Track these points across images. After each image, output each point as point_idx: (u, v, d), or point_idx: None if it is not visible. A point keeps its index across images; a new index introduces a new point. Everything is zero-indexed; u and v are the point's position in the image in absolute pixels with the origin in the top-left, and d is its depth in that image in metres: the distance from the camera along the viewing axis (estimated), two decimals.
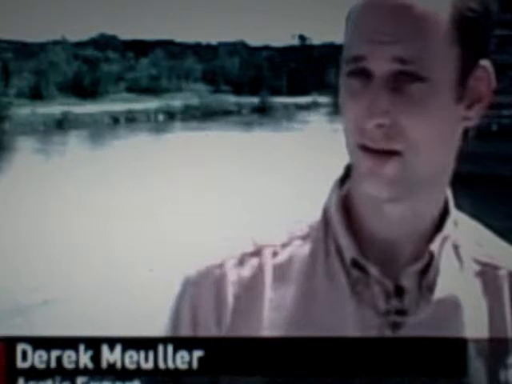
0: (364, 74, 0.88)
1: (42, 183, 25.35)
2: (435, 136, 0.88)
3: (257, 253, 0.95)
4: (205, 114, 59.56)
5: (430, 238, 0.93)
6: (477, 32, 0.90)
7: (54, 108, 50.64)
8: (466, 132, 0.93)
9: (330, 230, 0.95)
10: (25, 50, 78.66)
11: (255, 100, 67.58)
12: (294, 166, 23.99)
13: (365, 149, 0.89)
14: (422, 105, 0.87)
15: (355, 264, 0.92)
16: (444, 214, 0.95)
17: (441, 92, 0.88)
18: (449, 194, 0.96)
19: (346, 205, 0.95)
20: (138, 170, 28.41)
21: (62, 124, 47.93)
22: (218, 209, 17.58)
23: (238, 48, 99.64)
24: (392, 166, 0.87)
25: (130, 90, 72.16)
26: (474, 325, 0.93)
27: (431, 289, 0.92)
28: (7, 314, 12.10)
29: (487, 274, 0.95)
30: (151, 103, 60.12)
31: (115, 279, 13.98)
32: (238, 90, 79.37)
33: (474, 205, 20.68)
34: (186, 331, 0.95)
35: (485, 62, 0.92)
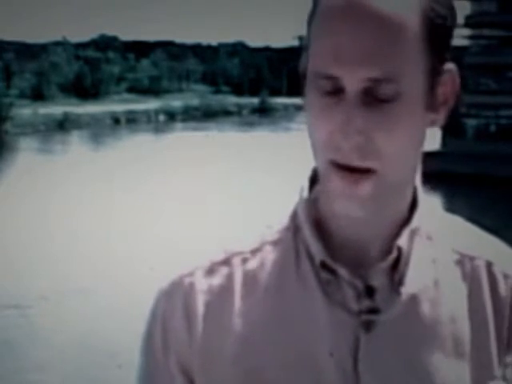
0: (336, 90, 0.84)
1: (44, 183, 25.41)
2: (408, 148, 0.86)
3: (226, 261, 0.93)
4: (205, 115, 59.52)
5: (399, 232, 0.90)
6: (444, 37, 0.88)
7: (56, 108, 50.58)
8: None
9: (299, 234, 0.92)
10: (26, 51, 78.50)
11: (255, 100, 67.53)
12: (294, 166, 24.04)
13: (337, 166, 0.85)
14: (396, 120, 0.84)
15: (324, 266, 0.89)
16: (412, 207, 0.92)
17: (413, 105, 0.85)
18: (418, 186, 0.94)
19: (314, 207, 0.92)
20: (138, 170, 28.44)
21: (64, 124, 47.91)
22: (217, 208, 17.66)
23: (238, 49, 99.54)
24: (366, 184, 0.84)
25: (130, 90, 72.08)
26: (454, 316, 0.91)
27: (404, 284, 0.90)
28: (7, 313, 12.18)
29: (465, 263, 0.93)
30: (152, 104, 60.06)
31: (116, 278, 14.05)
32: (238, 91, 79.30)
33: (472, 204, 20.77)
34: (158, 344, 0.93)
35: (449, 66, 0.89)
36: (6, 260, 15.54)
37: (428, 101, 0.87)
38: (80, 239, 17.51)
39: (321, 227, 0.92)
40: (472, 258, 0.93)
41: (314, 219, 0.92)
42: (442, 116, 0.89)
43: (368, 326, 0.89)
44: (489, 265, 0.94)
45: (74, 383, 9.86)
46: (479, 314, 0.91)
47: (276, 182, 20.20)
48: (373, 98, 0.84)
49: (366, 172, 0.85)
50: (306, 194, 0.93)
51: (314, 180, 0.94)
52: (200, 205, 20.34)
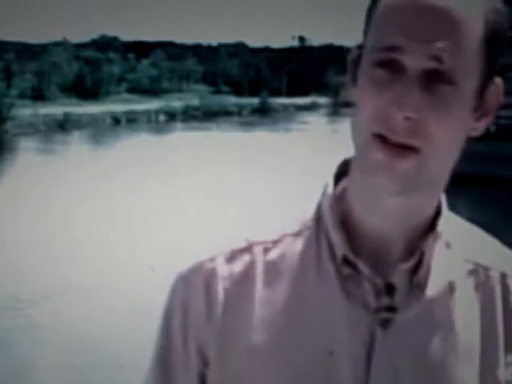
0: (395, 66, 0.87)
1: (44, 183, 25.41)
2: (452, 139, 0.89)
3: (248, 249, 0.96)
4: (205, 115, 59.47)
5: (422, 236, 0.94)
6: (499, 47, 0.92)
7: (56, 109, 50.57)
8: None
9: (322, 227, 0.95)
10: (27, 51, 78.47)
11: (255, 101, 67.48)
12: (294, 166, 24.07)
13: (382, 139, 0.87)
14: (449, 107, 0.87)
15: (346, 261, 0.92)
16: (437, 213, 0.96)
17: (465, 99, 0.89)
18: (442, 194, 0.97)
19: (339, 202, 0.95)
20: (139, 170, 28.43)
21: (64, 124, 47.91)
22: (218, 208, 17.66)
23: (238, 49, 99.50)
24: (409, 161, 0.87)
25: (131, 90, 72.08)
26: (466, 323, 0.94)
27: (422, 287, 0.93)
28: (8, 312, 12.20)
29: (479, 273, 0.96)
30: (152, 104, 60.01)
31: (116, 278, 14.05)
32: (238, 91, 79.25)
33: (472, 204, 20.80)
34: (177, 325, 0.97)
35: (497, 80, 0.93)
36: (7, 259, 15.54)
37: (475, 103, 0.91)
38: (80, 239, 17.51)
39: (344, 223, 0.94)
40: (487, 269, 0.97)
41: (337, 215, 0.95)
42: (481, 126, 0.93)
43: (384, 324, 0.91)
44: (503, 276, 0.97)
45: (75, 383, 9.87)
46: (490, 324, 0.95)
47: (276, 182, 20.20)
48: (431, 83, 0.86)
49: (410, 149, 0.87)
50: (331, 189, 0.97)
51: (338, 177, 0.97)
52: (200, 205, 20.35)
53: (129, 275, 13.99)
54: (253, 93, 73.05)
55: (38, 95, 59.58)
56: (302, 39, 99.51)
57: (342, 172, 0.96)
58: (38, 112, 48.31)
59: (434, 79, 0.86)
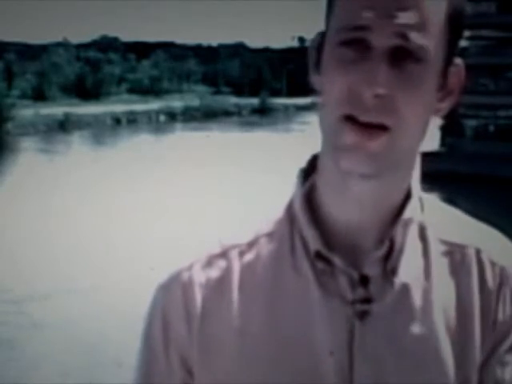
0: (361, 44, 0.86)
1: (45, 183, 25.46)
2: (421, 118, 0.88)
3: (224, 254, 0.95)
4: (205, 115, 59.49)
5: (393, 222, 0.92)
6: (460, 27, 0.92)
7: (57, 109, 50.56)
8: None
9: (295, 225, 0.94)
10: (28, 52, 78.55)
11: (255, 101, 67.48)
12: (294, 166, 24.07)
13: (352, 121, 0.86)
14: (417, 84, 0.86)
15: (319, 256, 0.91)
16: (407, 198, 0.94)
17: (432, 76, 0.88)
18: (415, 178, 0.95)
19: (310, 197, 0.95)
20: (139, 170, 28.47)
21: (65, 125, 47.93)
22: (218, 208, 17.69)
23: (238, 50, 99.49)
24: (380, 141, 0.86)
25: (131, 91, 72.10)
26: (443, 304, 0.93)
27: (396, 274, 0.92)
28: (8, 311, 12.25)
29: (455, 253, 0.96)
30: (152, 104, 60.04)
31: (116, 277, 14.09)
32: (238, 92, 79.24)
33: (471, 204, 20.81)
34: (158, 336, 0.95)
35: (458, 60, 0.93)
36: (8, 259, 15.60)
37: (440, 83, 0.90)
38: (81, 239, 17.56)
39: (316, 217, 0.94)
40: (462, 247, 0.96)
41: (309, 209, 0.94)
42: (445, 106, 0.93)
43: (362, 316, 0.91)
44: (478, 252, 0.96)
45: (74, 382, 9.92)
46: (466, 301, 0.94)
47: (276, 182, 20.23)
48: (398, 60, 0.86)
49: (379, 128, 0.86)
50: (300, 184, 0.96)
51: (307, 172, 0.97)
52: (200, 205, 20.38)
53: (129, 275, 14.04)
54: (253, 93, 73.02)
55: (38, 95, 59.59)
56: (301, 39, 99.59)
57: (312, 167, 0.95)
58: (39, 112, 48.30)
59: (402, 57, 0.85)
